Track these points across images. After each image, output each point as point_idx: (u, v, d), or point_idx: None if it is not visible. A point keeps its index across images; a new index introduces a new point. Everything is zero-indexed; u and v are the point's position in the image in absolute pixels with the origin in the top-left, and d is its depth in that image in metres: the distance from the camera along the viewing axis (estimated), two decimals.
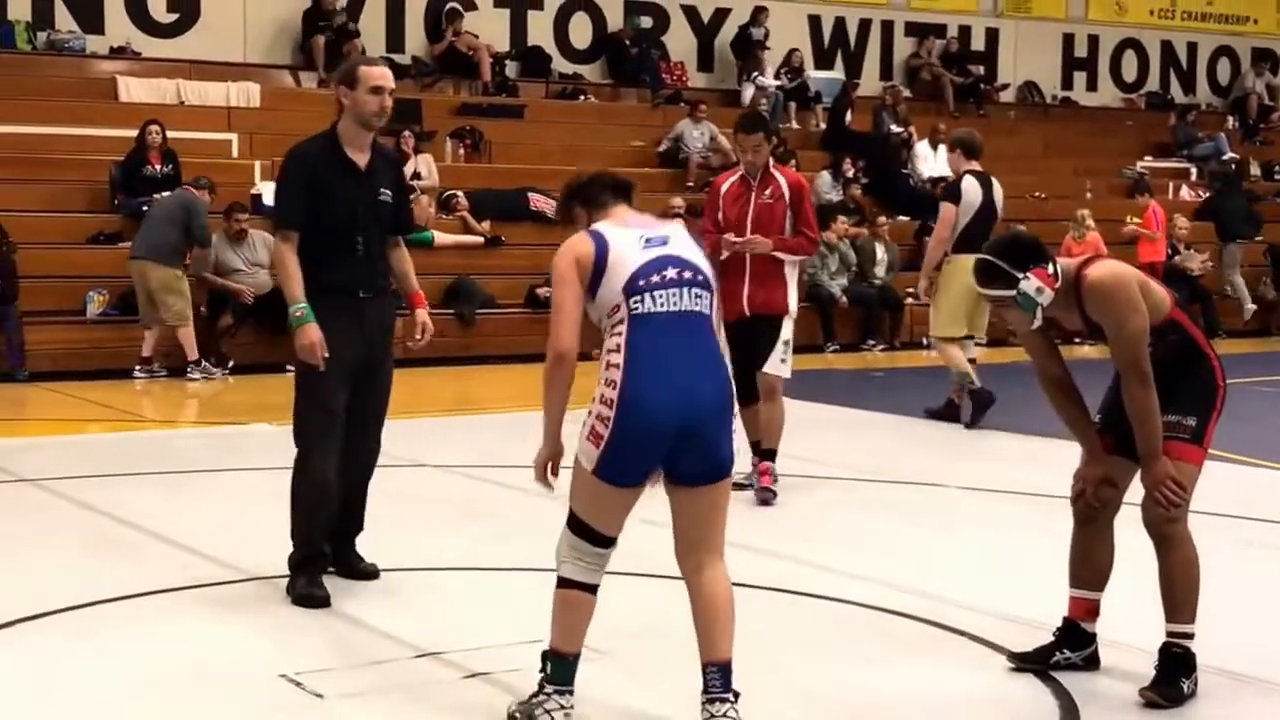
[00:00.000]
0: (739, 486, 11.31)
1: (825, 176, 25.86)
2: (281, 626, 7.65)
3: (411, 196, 22.06)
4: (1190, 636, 6.82)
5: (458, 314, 21.35)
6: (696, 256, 6.41)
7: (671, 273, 6.24)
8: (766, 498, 11.40)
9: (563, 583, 6.25)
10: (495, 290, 21.99)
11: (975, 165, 15.47)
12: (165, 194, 19.64)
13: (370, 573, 8.69)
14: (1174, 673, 6.76)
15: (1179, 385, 6.91)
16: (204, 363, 18.26)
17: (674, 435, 6.11)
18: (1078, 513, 7.15)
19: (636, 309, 6.16)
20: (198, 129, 22.87)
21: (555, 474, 6.40)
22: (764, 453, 11.55)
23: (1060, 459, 12.86)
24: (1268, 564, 9.63)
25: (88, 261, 19.72)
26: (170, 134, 20.82)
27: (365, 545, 7.33)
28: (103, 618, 7.93)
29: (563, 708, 6.19)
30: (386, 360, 8.97)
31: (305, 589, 8.24)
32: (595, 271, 6.17)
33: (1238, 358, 23.39)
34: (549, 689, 6.21)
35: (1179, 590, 6.84)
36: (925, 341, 24.17)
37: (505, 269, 22.57)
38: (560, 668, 6.22)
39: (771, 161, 11.74)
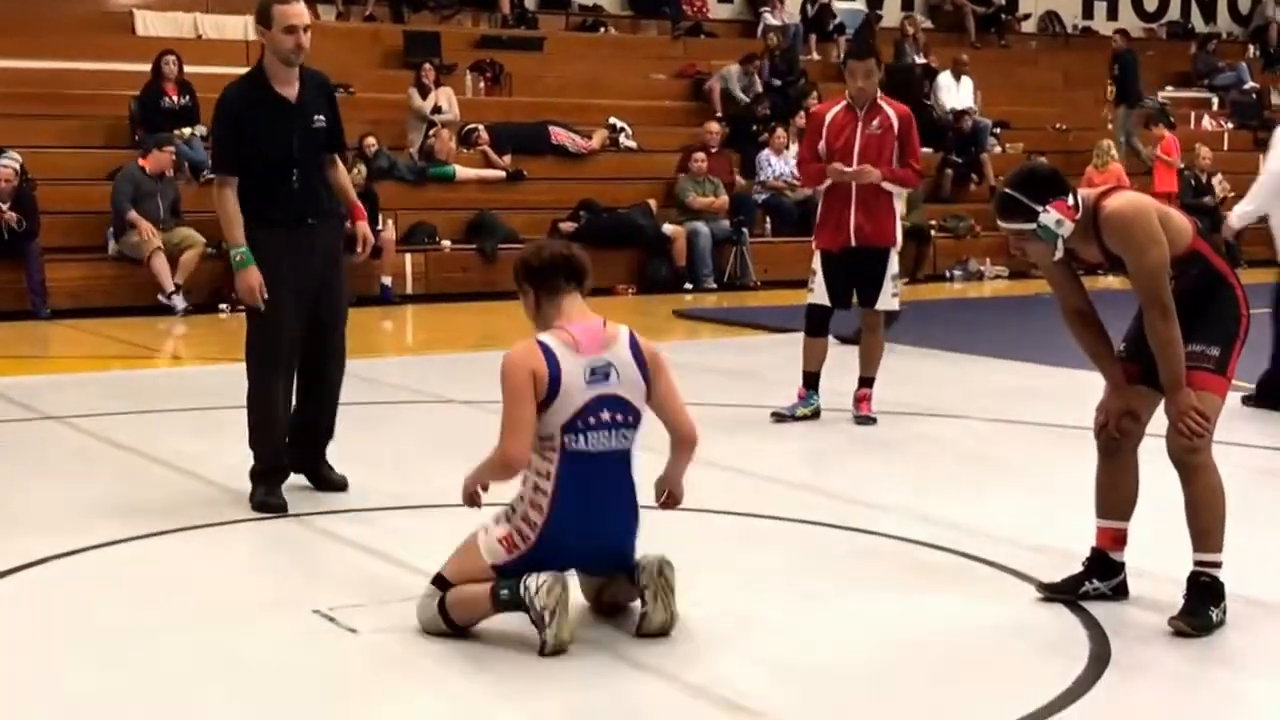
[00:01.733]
0: (779, 417, 11.45)
1: None
2: (312, 562, 7.69)
3: (431, 131, 22.41)
4: (1218, 565, 6.80)
5: (480, 249, 21.36)
6: (633, 392, 6.61)
7: (607, 415, 6.48)
8: (866, 423, 11.63)
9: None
10: (517, 224, 21.96)
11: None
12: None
13: (339, 483, 9.15)
14: (1202, 601, 6.75)
15: (1202, 315, 6.86)
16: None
17: (584, 563, 6.65)
18: (1101, 444, 7.14)
19: (571, 446, 6.40)
20: (215, 63, 22.41)
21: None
22: (864, 380, 11.79)
23: (1082, 390, 12.89)
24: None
25: (105, 198, 19.62)
26: (187, 69, 20.81)
27: (393, 480, 7.36)
28: (136, 555, 7.96)
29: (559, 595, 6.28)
30: (337, 280, 9.21)
31: (263, 497, 8.78)
32: (548, 396, 6.38)
33: (1260, 287, 23.34)
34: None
35: (1205, 519, 6.82)
36: (948, 274, 24.24)
37: (527, 203, 22.56)
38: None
39: (880, 92, 11.67)
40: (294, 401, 9.19)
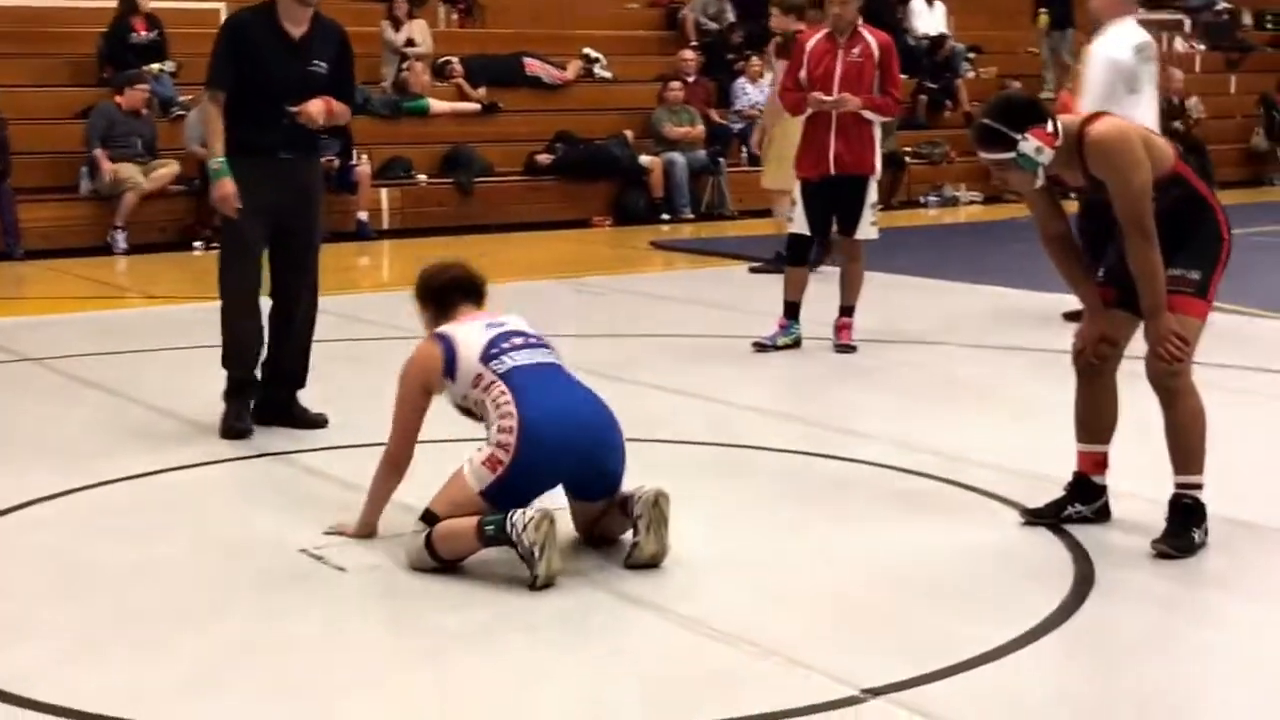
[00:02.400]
0: (760, 347, 11.50)
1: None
2: (297, 501, 7.68)
3: (405, 64, 22.35)
4: (1199, 487, 6.84)
5: (456, 183, 21.33)
6: (530, 329, 6.97)
7: (518, 340, 6.79)
8: (846, 351, 11.68)
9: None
10: (493, 158, 21.96)
11: (802, 25, 15.13)
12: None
13: (318, 421, 9.29)
14: (1185, 523, 6.80)
15: (1183, 238, 6.85)
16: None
17: (569, 464, 6.57)
18: (1079, 369, 7.14)
19: (499, 368, 6.63)
20: None
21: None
22: (845, 309, 11.83)
23: (1059, 315, 12.92)
24: (1259, 412, 9.68)
25: (77, 137, 19.56)
26: (155, 3, 20.67)
27: (375, 416, 7.34)
28: (123, 496, 7.96)
29: (547, 528, 6.30)
30: (308, 219, 9.37)
31: (229, 421, 9.08)
32: (447, 363, 6.71)
33: (1235, 209, 23.36)
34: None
35: (1186, 442, 6.84)
36: (923, 200, 24.24)
37: (502, 136, 22.51)
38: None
39: (860, 20, 11.67)
40: (266, 345, 9.34)
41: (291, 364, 9.40)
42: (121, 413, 9.81)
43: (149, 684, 5.45)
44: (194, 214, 18.68)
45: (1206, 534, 6.81)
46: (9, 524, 7.44)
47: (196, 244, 18.62)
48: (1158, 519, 6.88)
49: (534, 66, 23.80)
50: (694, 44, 25.18)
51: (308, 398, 9.44)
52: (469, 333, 6.77)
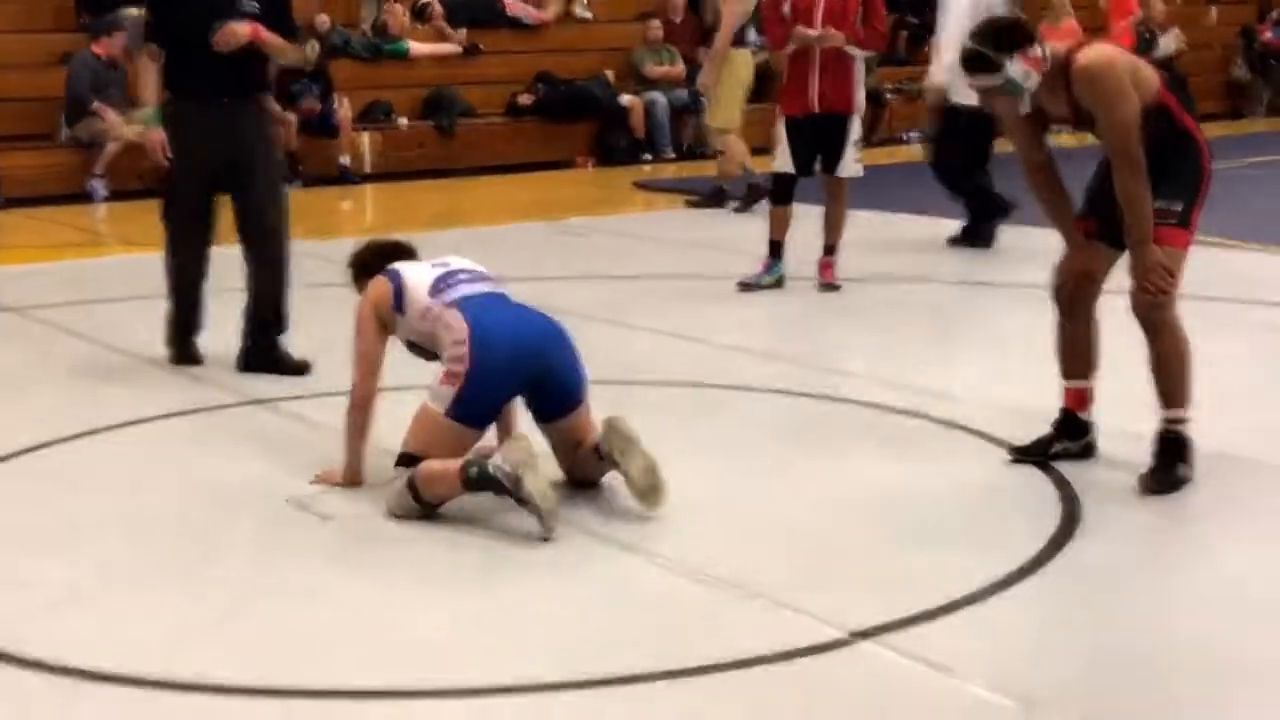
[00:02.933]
0: (744, 286, 11.51)
1: None
2: (280, 449, 7.66)
3: (384, 6, 22.28)
4: (1184, 421, 6.84)
5: (437, 125, 21.35)
6: (478, 267, 7.06)
7: (464, 275, 6.90)
8: (830, 290, 11.71)
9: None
10: (474, 99, 21.93)
11: None
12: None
13: (300, 367, 9.39)
14: (1171, 458, 6.80)
15: (1165, 169, 6.79)
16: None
17: (524, 368, 6.61)
18: (1060, 304, 7.13)
19: (446, 298, 6.72)
20: None
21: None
22: (828, 248, 11.87)
23: (1042, 249, 12.90)
24: (1270, 346, 9.67)
25: (56, 83, 19.47)
26: None
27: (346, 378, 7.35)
28: (109, 445, 7.95)
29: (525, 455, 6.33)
30: (256, 162, 9.44)
31: (179, 349, 9.57)
32: (395, 295, 6.83)
33: (1216, 141, 23.38)
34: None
35: (1171, 375, 6.83)
36: (904, 137, 24.20)
37: (483, 78, 22.46)
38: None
39: None
40: (246, 294, 9.57)
41: (264, 312, 9.50)
42: (103, 361, 9.78)
43: (136, 636, 5.43)
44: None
45: (1193, 468, 6.80)
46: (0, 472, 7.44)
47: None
48: (1142, 453, 6.87)
49: (514, 7, 23.74)
50: None
51: (293, 343, 9.47)
52: (416, 270, 6.92)
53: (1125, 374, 7.10)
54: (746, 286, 11.75)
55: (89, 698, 4.98)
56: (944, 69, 13.26)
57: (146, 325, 10.03)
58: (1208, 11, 30.33)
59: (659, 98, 22.49)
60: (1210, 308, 10.44)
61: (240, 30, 8.99)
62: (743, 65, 16.00)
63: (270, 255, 9.53)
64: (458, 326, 6.53)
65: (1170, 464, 6.81)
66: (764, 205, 13.08)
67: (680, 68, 23.01)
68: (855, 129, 11.73)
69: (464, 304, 6.64)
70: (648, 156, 22.09)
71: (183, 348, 9.58)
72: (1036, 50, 6.61)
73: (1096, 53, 6.73)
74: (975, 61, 6.66)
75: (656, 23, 23.05)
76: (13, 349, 10.28)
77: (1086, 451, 7.18)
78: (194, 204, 9.46)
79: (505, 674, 5.06)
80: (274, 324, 9.52)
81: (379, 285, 6.87)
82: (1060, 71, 6.67)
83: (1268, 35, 28.68)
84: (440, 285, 6.76)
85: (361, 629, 5.52)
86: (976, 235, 13.79)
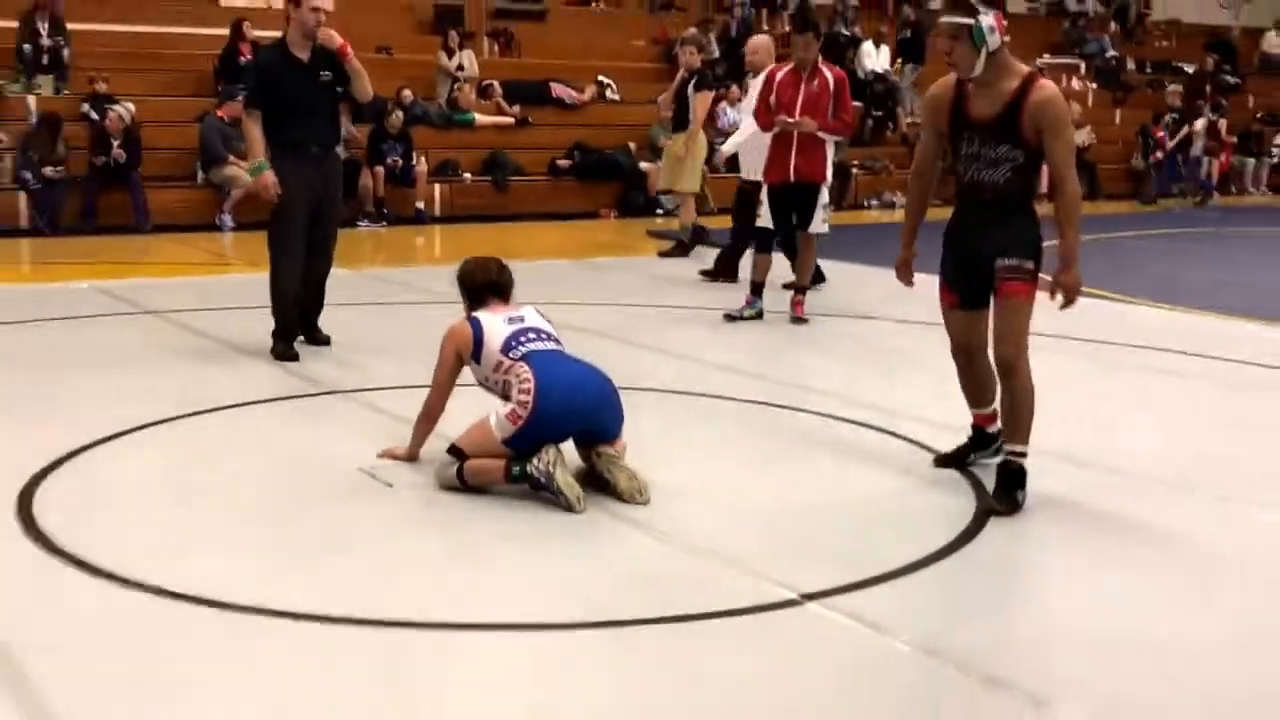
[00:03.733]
0: (730, 318, 11.54)
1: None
2: (357, 429, 7.66)
3: (456, 85, 22.34)
4: (1024, 455, 6.52)
5: (494, 180, 21.49)
6: (546, 324, 6.93)
7: (531, 334, 6.75)
8: (800, 323, 11.67)
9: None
10: (524, 161, 22.02)
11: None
12: None
13: (325, 340, 10.12)
14: (1011, 485, 6.48)
15: (1020, 231, 6.43)
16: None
17: (575, 420, 6.60)
18: (957, 363, 6.91)
19: (516, 354, 6.64)
20: (281, 29, 22.51)
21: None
22: (798, 288, 11.86)
23: None
24: (1151, 383, 9.65)
25: (193, 136, 19.52)
26: (259, 32, 20.64)
27: (423, 364, 7.30)
28: (217, 422, 7.96)
29: (555, 455, 6.39)
30: (334, 200, 10.03)
31: (281, 350, 9.75)
32: (475, 344, 6.74)
33: (1118, 217, 23.39)
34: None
35: (1019, 416, 6.50)
36: (866, 203, 24.19)
37: (532, 144, 22.54)
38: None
39: (820, 58, 11.68)
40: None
41: (310, 302, 10.07)
42: (220, 357, 9.78)
43: (236, 572, 5.44)
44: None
45: (1025, 494, 6.49)
46: (126, 444, 7.41)
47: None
48: (1049, 465, 6.84)
49: (558, 90, 23.85)
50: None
51: (368, 347, 9.73)
52: (494, 325, 6.76)
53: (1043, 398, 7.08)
54: (731, 318, 11.78)
55: (205, 622, 4.98)
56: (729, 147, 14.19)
57: (257, 329, 10.06)
58: (1113, 114, 30.37)
59: None
60: (1105, 351, 10.46)
61: (337, 36, 9.66)
62: (703, 145, 16.33)
63: (326, 262, 10.07)
64: (526, 378, 6.47)
65: (1011, 490, 6.48)
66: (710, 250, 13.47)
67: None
68: (824, 195, 11.74)
69: (532, 360, 6.56)
70: (659, 211, 22.03)
71: (284, 347, 9.77)
72: (1004, 24, 6.29)
73: (1052, 85, 6.37)
74: (957, 4, 6.28)
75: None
76: (148, 343, 10.30)
77: (996, 454, 6.90)
78: (295, 231, 9.78)
79: (526, 613, 5.08)
80: (316, 309, 10.15)
81: (463, 332, 6.77)
82: (1022, 85, 6.26)
83: (1160, 134, 28.66)
84: (512, 344, 6.66)
85: (414, 575, 5.53)
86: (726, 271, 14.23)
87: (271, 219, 9.89)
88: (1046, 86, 6.29)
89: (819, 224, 11.75)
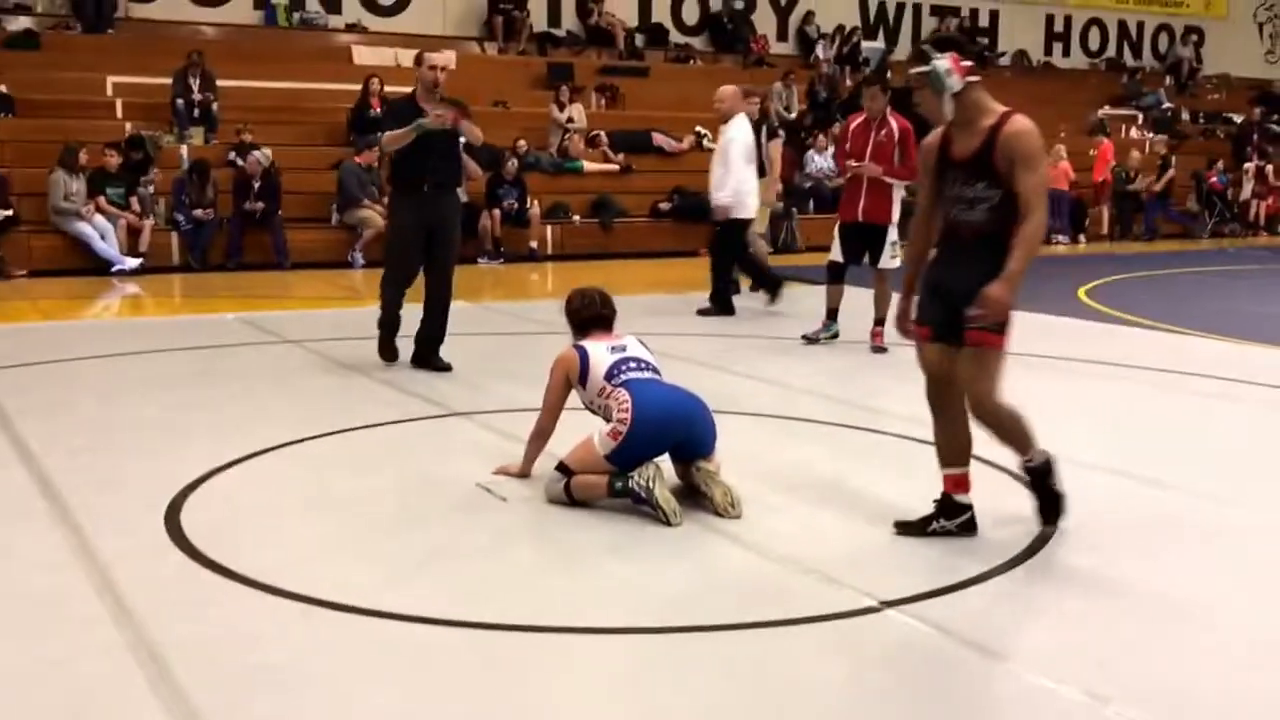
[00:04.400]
0: (807, 340, 11.56)
1: None
2: (476, 448, 7.67)
3: (566, 136, 22.44)
4: (1034, 458, 6.18)
5: (601, 222, 21.51)
6: (646, 354, 6.90)
7: (632, 364, 6.75)
8: (880, 352, 11.60)
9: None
10: (628, 204, 22.05)
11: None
12: None
13: (444, 367, 10.23)
14: (1042, 488, 6.24)
15: (994, 277, 5.77)
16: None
17: (669, 437, 6.60)
18: (930, 404, 6.22)
19: (618, 381, 6.66)
20: (409, 84, 22.71)
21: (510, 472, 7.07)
22: (877, 320, 11.78)
23: (1035, 325, 12.73)
24: (1204, 406, 9.51)
25: (328, 182, 19.74)
26: (388, 88, 20.82)
27: (537, 389, 7.30)
28: (349, 442, 8.01)
29: (655, 471, 6.40)
30: (451, 234, 10.27)
31: (383, 355, 10.41)
32: (582, 370, 6.76)
33: (1168, 254, 23.13)
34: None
35: (1011, 440, 6.14)
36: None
37: (635, 189, 22.55)
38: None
39: (889, 109, 11.77)
40: (422, 317, 10.39)
41: (434, 331, 10.34)
42: (352, 382, 9.84)
43: (363, 579, 5.46)
44: None
45: (1059, 479, 6.22)
46: (266, 461, 7.48)
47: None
48: (1114, 490, 6.74)
49: (659, 139, 23.86)
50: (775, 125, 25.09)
51: (487, 373, 9.78)
52: (599, 353, 6.77)
53: (1067, 419, 7.00)
54: (809, 340, 11.89)
55: (335, 625, 5.02)
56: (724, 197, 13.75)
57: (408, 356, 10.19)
58: (1169, 159, 30.11)
59: None
60: (1163, 377, 10.31)
61: (446, 114, 9.92)
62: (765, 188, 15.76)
63: (445, 293, 10.30)
64: (624, 401, 6.49)
65: (1046, 493, 6.21)
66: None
67: (778, 187, 22.95)
68: (891, 234, 11.78)
69: (632, 386, 6.58)
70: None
71: (390, 355, 10.39)
72: (968, 62, 5.82)
73: (1027, 120, 5.87)
74: (917, 54, 5.97)
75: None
76: (286, 370, 10.38)
77: (965, 529, 6.18)
78: (403, 265, 10.30)
79: (625, 618, 5.07)
80: (438, 338, 10.36)
81: (571, 358, 6.79)
82: (991, 121, 5.85)
83: (1213, 179, 28.35)
84: (614, 372, 6.68)
85: (522, 581, 5.52)
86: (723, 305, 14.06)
87: (385, 253, 10.51)
88: (1018, 120, 5.83)
89: (888, 260, 11.77)
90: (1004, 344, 5.94)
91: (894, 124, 11.65)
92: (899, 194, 11.89)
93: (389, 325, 10.39)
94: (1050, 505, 6.29)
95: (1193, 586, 5.62)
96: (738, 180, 13.64)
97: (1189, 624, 5.17)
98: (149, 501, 6.50)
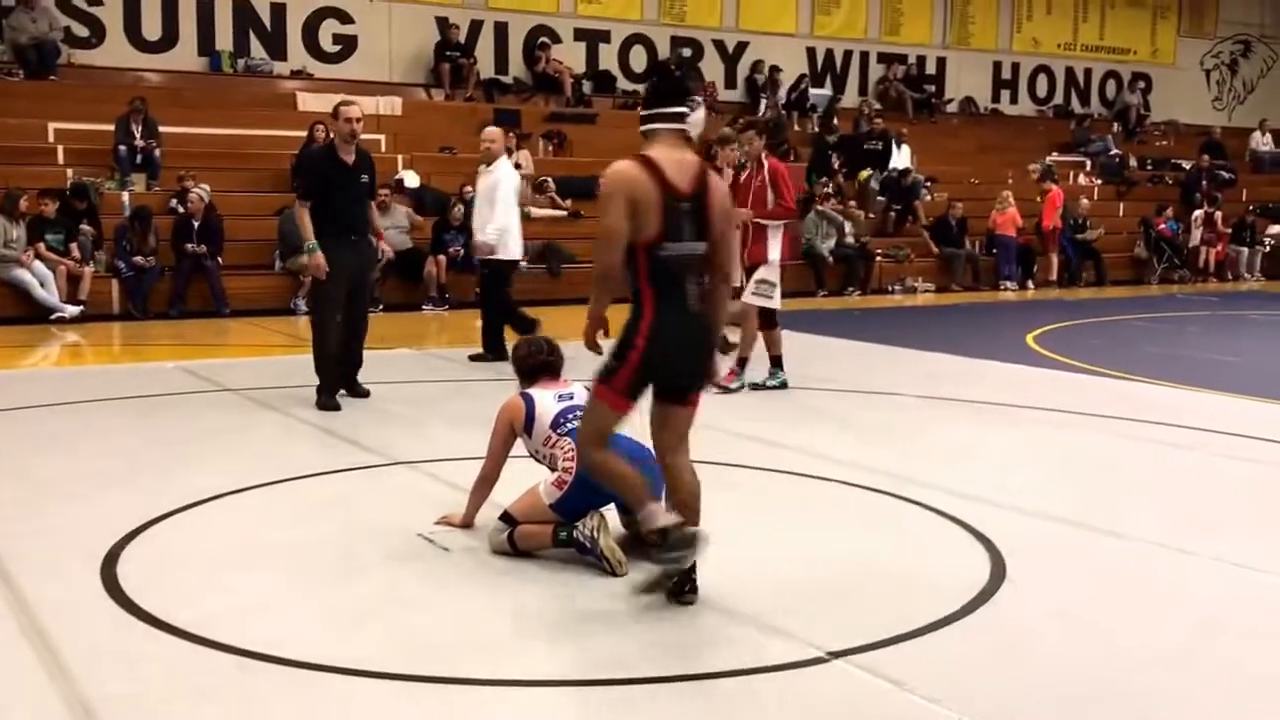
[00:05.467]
0: (755, 387, 11.74)
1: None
2: (419, 497, 7.62)
3: (528, 178, 22.44)
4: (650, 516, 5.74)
5: (548, 268, 21.44)
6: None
7: (579, 412, 6.42)
8: (725, 391, 11.62)
9: None
10: (577, 249, 21.97)
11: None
12: None
13: (365, 393, 10.97)
14: (662, 544, 5.70)
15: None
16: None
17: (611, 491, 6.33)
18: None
19: (564, 429, 6.61)
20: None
21: None
22: (739, 360, 11.97)
23: (984, 373, 12.80)
24: (1157, 452, 9.54)
25: (270, 229, 19.69)
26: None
27: (479, 436, 7.27)
28: (291, 490, 7.95)
29: (599, 521, 6.36)
30: (368, 276, 11.32)
31: (325, 401, 10.59)
32: (528, 418, 6.71)
33: (1118, 301, 23.30)
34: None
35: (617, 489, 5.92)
36: (891, 288, 24.10)
37: (583, 235, 22.46)
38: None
39: (764, 153, 11.98)
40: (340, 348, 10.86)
41: (355, 357, 11.02)
42: (293, 430, 9.78)
43: (300, 631, 5.41)
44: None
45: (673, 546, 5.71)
46: (205, 510, 7.41)
47: (372, 309, 18.57)
48: (1065, 538, 6.74)
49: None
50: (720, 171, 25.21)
51: (430, 421, 9.66)
52: (545, 401, 6.73)
53: (1040, 465, 7.00)
54: (757, 387, 11.99)
55: (265, 675, 4.96)
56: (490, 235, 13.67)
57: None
58: (1117, 206, 30.35)
59: None
60: (1112, 424, 10.34)
61: (385, 250, 11.62)
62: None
63: (361, 330, 11.08)
64: (570, 450, 6.43)
65: (666, 548, 5.69)
66: None
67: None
68: (761, 273, 11.88)
69: (575, 434, 6.38)
70: None
71: (327, 399, 10.62)
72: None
73: (616, 166, 5.81)
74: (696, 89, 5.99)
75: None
76: (229, 418, 10.28)
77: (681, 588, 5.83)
78: (333, 303, 10.76)
79: (568, 670, 5.06)
80: (358, 363, 11.05)
81: (517, 406, 6.74)
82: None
83: (1162, 226, 28.58)
84: (560, 420, 6.64)
85: (470, 630, 5.48)
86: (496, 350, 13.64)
87: (314, 293, 11.04)
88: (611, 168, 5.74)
89: (749, 295, 11.87)
90: (605, 393, 5.75)
91: (766, 166, 11.88)
92: (776, 233, 11.95)
93: (329, 365, 10.71)
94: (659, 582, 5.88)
95: (1150, 636, 5.62)
96: (504, 221, 13.61)
97: (1147, 675, 5.17)
98: (84, 552, 6.43)
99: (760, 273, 11.87)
